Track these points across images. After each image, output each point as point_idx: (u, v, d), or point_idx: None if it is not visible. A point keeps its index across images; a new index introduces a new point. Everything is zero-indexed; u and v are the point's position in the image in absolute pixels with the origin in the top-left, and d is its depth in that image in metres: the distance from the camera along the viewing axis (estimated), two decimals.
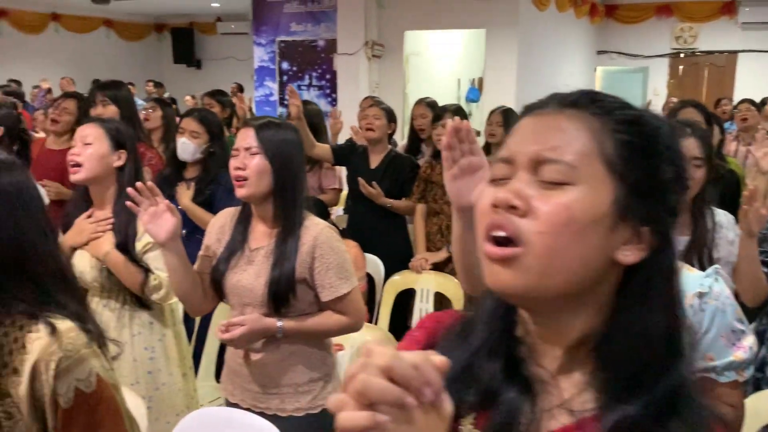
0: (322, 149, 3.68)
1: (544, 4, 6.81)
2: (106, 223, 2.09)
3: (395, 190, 3.57)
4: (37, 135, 5.03)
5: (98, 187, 2.12)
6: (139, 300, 2.12)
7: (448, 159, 1.17)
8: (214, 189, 3.13)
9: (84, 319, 1.08)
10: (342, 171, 4.15)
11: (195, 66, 13.68)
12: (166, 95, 11.29)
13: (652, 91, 9.64)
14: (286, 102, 7.71)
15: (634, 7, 9.49)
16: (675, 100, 7.51)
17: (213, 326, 2.86)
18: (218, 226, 1.92)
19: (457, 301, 3.14)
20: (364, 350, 0.52)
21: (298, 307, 1.80)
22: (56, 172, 2.93)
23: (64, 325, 1.04)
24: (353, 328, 1.87)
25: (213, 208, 3.03)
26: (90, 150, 2.09)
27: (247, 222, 1.88)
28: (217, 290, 1.86)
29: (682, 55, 9.53)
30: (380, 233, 3.55)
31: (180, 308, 2.37)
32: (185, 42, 13.49)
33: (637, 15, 9.49)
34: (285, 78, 7.66)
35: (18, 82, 9.93)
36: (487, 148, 3.98)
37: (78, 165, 2.09)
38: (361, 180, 3.48)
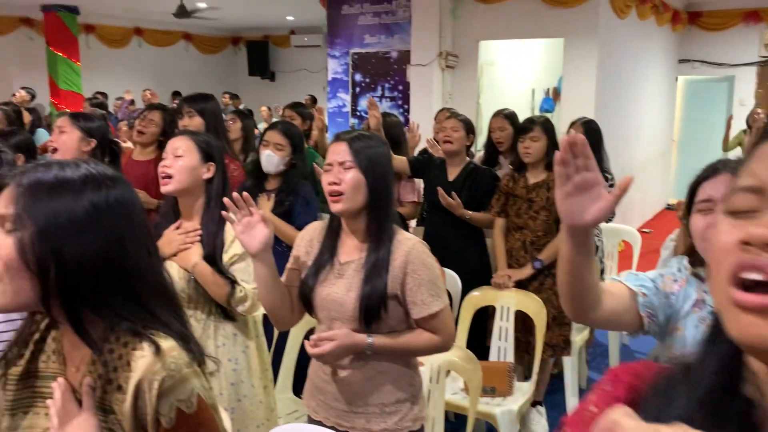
0: (400, 161, 3.64)
1: (624, 12, 6.60)
2: (194, 235, 2.11)
3: (474, 203, 3.49)
4: (124, 145, 5.21)
5: (187, 198, 2.15)
6: (224, 311, 2.12)
7: (562, 175, 1.10)
8: (293, 200, 3.15)
9: (186, 337, 1.07)
10: (420, 183, 4.11)
11: (269, 78, 14.00)
12: (241, 106, 11.59)
13: (738, 102, 9.19)
14: (358, 113, 7.79)
15: (720, 13, 9.08)
16: (760, 111, 7.12)
17: (292, 338, 2.86)
18: (306, 240, 1.91)
19: (540, 321, 3.04)
20: (610, 422, 0.47)
21: (388, 323, 1.76)
22: (140, 183, 3.00)
23: (167, 343, 1.03)
24: (443, 347, 1.82)
25: (292, 219, 3.05)
26: (180, 162, 2.13)
27: (336, 235, 1.86)
28: (306, 304, 1.85)
29: None
30: (457, 247, 3.48)
31: (261, 320, 2.37)
32: (260, 55, 13.81)
33: (723, 22, 9.07)
34: (357, 90, 7.70)
35: (104, 95, 10.39)
36: None
37: (169, 177, 2.12)
38: (440, 189, 3.42)
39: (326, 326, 1.81)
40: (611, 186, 3.87)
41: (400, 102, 7.37)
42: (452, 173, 3.57)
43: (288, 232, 2.94)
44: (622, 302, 1.41)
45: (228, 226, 2.12)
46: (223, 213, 1.77)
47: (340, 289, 1.78)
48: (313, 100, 10.68)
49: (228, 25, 13.25)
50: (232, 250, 2.11)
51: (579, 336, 3.64)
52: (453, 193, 3.43)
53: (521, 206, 3.28)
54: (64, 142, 2.44)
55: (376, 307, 1.72)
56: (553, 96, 9.74)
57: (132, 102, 9.80)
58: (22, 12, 10.73)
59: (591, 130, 3.90)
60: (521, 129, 3.27)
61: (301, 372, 2.99)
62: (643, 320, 1.46)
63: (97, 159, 2.55)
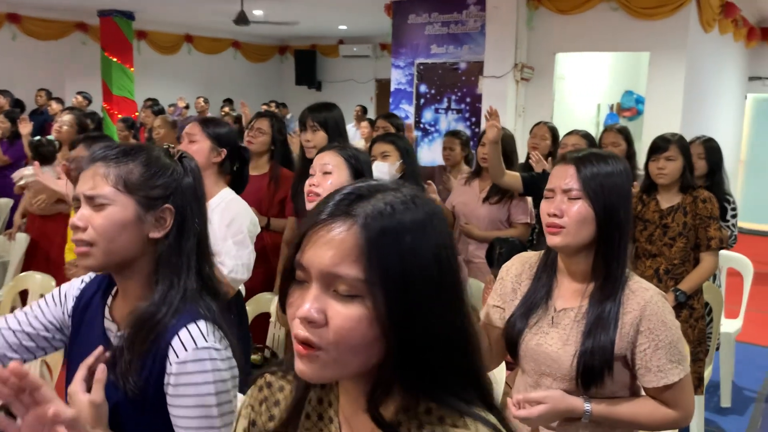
0: (512, 178, 3.40)
1: (710, 26, 6.30)
2: None
3: None
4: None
5: None
6: None
7: None
8: None
9: (499, 414, 0.84)
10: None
11: (315, 88, 13.89)
12: (289, 116, 11.46)
13: None
14: (422, 125, 7.57)
15: None
16: None
17: None
18: (514, 274, 1.64)
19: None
20: None
21: (609, 388, 1.48)
22: (253, 199, 2.80)
23: (492, 419, 0.80)
24: (679, 423, 1.52)
25: None
26: (330, 180, 1.93)
27: (552, 273, 1.58)
28: (510, 348, 1.59)
29: None
30: None
31: None
32: (307, 64, 13.73)
33: None
34: (422, 101, 7.49)
35: (155, 101, 10.33)
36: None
37: (317, 195, 1.91)
38: None
39: (533, 381, 1.56)
40: (734, 210, 3.59)
41: (467, 115, 7.14)
42: None
43: None
44: None
45: None
46: None
47: (555, 341, 1.51)
48: (364, 111, 10.50)
49: (276, 34, 13.16)
50: None
51: (705, 373, 3.35)
52: None
53: (654, 232, 3.01)
54: (195, 152, 2.21)
55: (598, 368, 1.44)
56: (617, 111, 9.46)
57: (187, 107, 9.70)
58: (77, 17, 10.73)
59: (712, 149, 3.63)
60: (654, 148, 3.00)
61: None
62: None
63: (226, 168, 2.35)
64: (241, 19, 8.43)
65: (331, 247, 0.74)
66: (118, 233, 1.17)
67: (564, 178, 1.51)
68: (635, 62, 9.26)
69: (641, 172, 3.30)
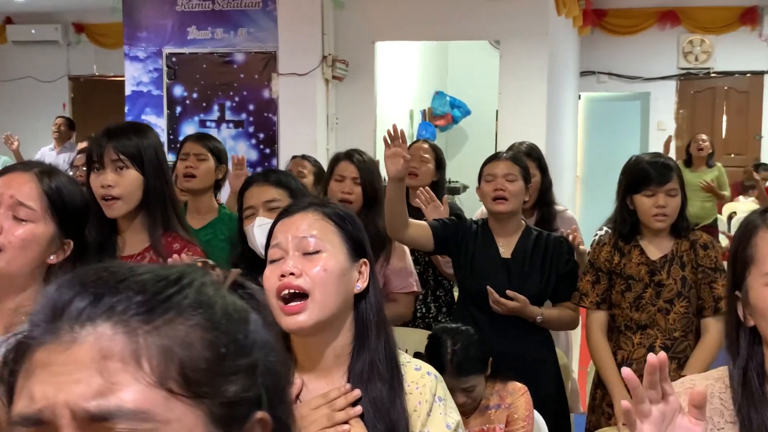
0: (419, 230, 3.12)
1: (565, 6, 6.76)
2: (345, 403, 1.56)
3: (545, 292, 3.13)
4: None
5: (325, 334, 1.60)
6: None
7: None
8: None
9: None
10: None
11: None
12: None
13: (656, 125, 9.96)
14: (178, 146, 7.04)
15: (628, 13, 9.81)
16: (705, 137, 7.71)
17: None
18: None
19: None
20: None
21: None
22: None
23: None
24: None
25: None
26: (320, 265, 1.56)
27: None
28: None
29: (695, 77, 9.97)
30: (523, 361, 3.04)
31: None
32: None
33: (633, 24, 9.80)
34: (178, 110, 6.96)
35: None
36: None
37: (302, 295, 1.54)
38: (491, 293, 3.00)
39: None
40: None
41: (251, 129, 6.79)
42: (506, 245, 3.16)
43: None
44: None
45: (417, 376, 1.65)
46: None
47: None
48: (70, 125, 9.57)
49: None
50: (432, 423, 1.62)
51: None
52: (511, 292, 3.01)
53: (642, 294, 2.96)
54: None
55: None
56: (429, 119, 9.78)
57: None
58: None
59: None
60: (645, 177, 2.93)
61: None
62: None
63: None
64: None
65: None
66: None
67: None
68: (441, 54, 9.72)
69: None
